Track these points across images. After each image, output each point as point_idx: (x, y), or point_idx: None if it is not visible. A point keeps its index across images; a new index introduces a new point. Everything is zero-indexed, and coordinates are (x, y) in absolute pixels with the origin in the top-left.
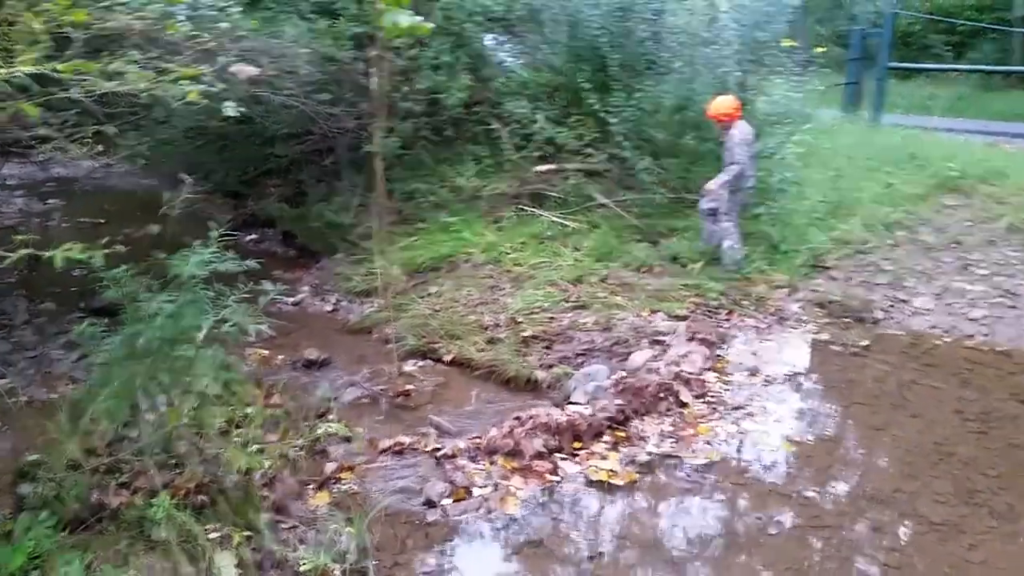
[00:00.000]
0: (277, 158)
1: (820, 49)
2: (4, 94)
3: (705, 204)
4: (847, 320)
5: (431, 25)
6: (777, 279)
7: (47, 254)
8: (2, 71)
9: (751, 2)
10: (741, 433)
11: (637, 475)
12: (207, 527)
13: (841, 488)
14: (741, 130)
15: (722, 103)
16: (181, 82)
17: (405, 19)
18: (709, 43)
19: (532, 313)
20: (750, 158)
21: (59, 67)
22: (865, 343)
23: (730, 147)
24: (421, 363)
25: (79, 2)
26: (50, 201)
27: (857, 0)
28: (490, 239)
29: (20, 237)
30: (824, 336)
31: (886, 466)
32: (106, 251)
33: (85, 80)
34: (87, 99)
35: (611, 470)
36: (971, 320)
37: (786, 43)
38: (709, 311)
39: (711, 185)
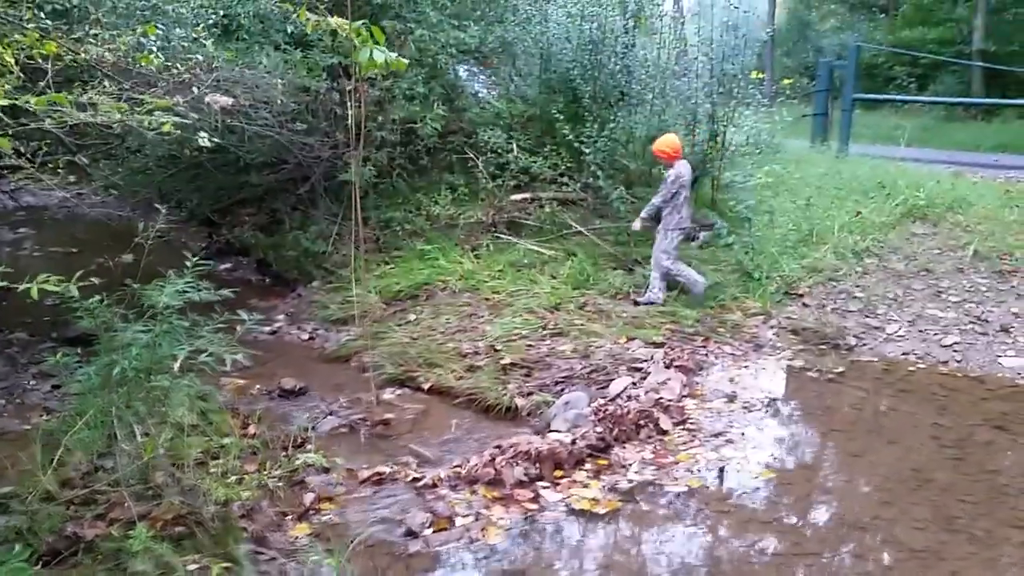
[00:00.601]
0: (252, 187)
1: (787, 81)
2: None
3: (667, 263)
4: (822, 347)
5: (406, 61)
6: (751, 306)
7: (22, 286)
8: None
9: (719, 36)
10: (721, 460)
11: (619, 503)
12: (185, 559)
13: (821, 515)
14: (677, 170)
15: (664, 142)
16: (155, 113)
17: (380, 55)
18: (679, 75)
19: (510, 340)
20: (685, 199)
21: (32, 100)
22: (840, 370)
23: (664, 182)
24: (399, 391)
25: (50, 34)
26: (21, 230)
27: (822, 33)
28: (467, 267)
29: None
30: (799, 363)
31: (865, 493)
32: (81, 283)
33: (58, 111)
34: (59, 130)
35: (593, 498)
36: (944, 347)
37: (754, 75)
38: (685, 338)
39: (666, 247)
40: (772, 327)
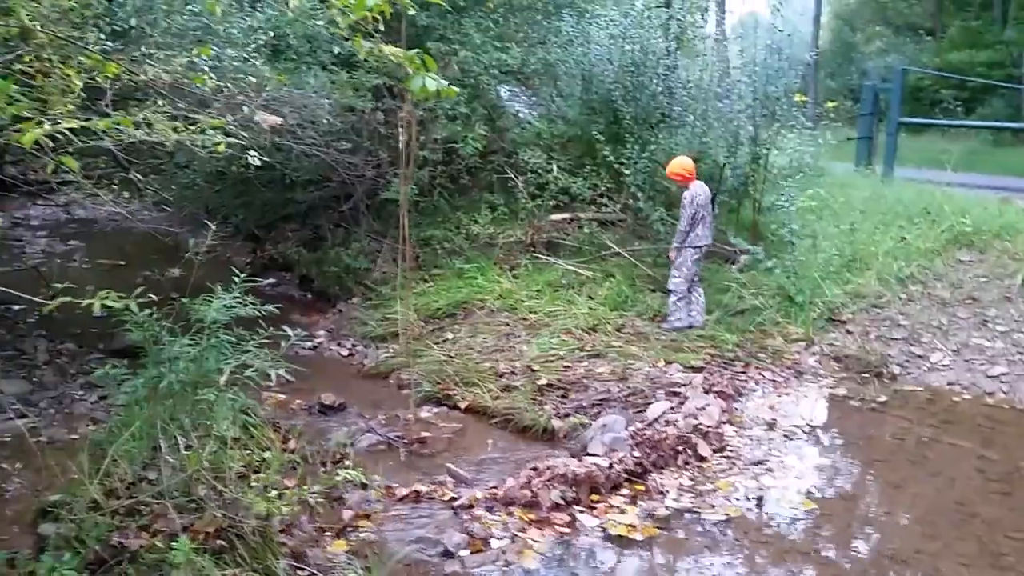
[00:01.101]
0: (296, 203)
1: (831, 104)
2: (43, 147)
3: (676, 281)
4: (864, 375)
5: (457, 90)
6: (793, 332)
7: (85, 301)
8: (45, 127)
9: (763, 57)
10: (760, 489)
11: (656, 529)
12: (226, 572)
13: (861, 547)
14: (693, 191)
15: (678, 164)
16: (208, 132)
17: (432, 83)
18: (721, 97)
19: (547, 361)
20: (702, 217)
21: (99, 123)
22: (883, 399)
23: (683, 206)
24: (436, 409)
25: (111, 55)
26: (71, 242)
27: (867, 55)
28: (505, 286)
29: (57, 284)
30: (842, 391)
31: (907, 525)
32: (139, 300)
33: (117, 130)
34: (116, 147)
35: (630, 524)
36: (990, 377)
37: (798, 97)
38: (725, 363)
39: (679, 265)
40: (814, 354)
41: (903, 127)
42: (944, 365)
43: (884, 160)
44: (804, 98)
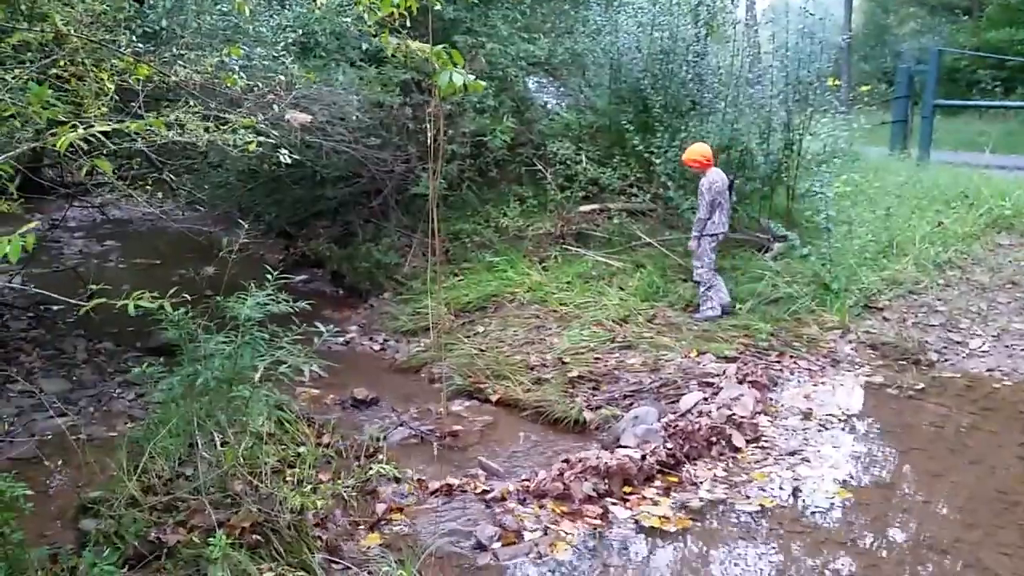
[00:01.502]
0: (327, 200)
1: (865, 87)
2: (78, 150)
3: (701, 271)
4: (902, 362)
5: (484, 84)
6: (828, 320)
7: (120, 302)
8: (81, 131)
9: (794, 42)
10: (796, 479)
11: (690, 521)
12: (261, 566)
13: (899, 536)
14: (710, 178)
15: (695, 150)
16: (239, 131)
17: (460, 77)
18: (752, 83)
19: (578, 353)
20: (719, 204)
21: (131, 125)
22: (921, 386)
23: (700, 193)
24: (468, 403)
25: (142, 57)
26: (107, 243)
27: (901, 37)
28: (535, 279)
29: (92, 287)
30: (878, 379)
31: (946, 514)
32: (168, 299)
33: (149, 131)
34: (149, 148)
35: (663, 516)
36: None
37: (831, 82)
38: (758, 352)
39: (700, 254)
40: (850, 342)
41: (939, 109)
42: (984, 351)
43: (920, 143)
44: (837, 82)
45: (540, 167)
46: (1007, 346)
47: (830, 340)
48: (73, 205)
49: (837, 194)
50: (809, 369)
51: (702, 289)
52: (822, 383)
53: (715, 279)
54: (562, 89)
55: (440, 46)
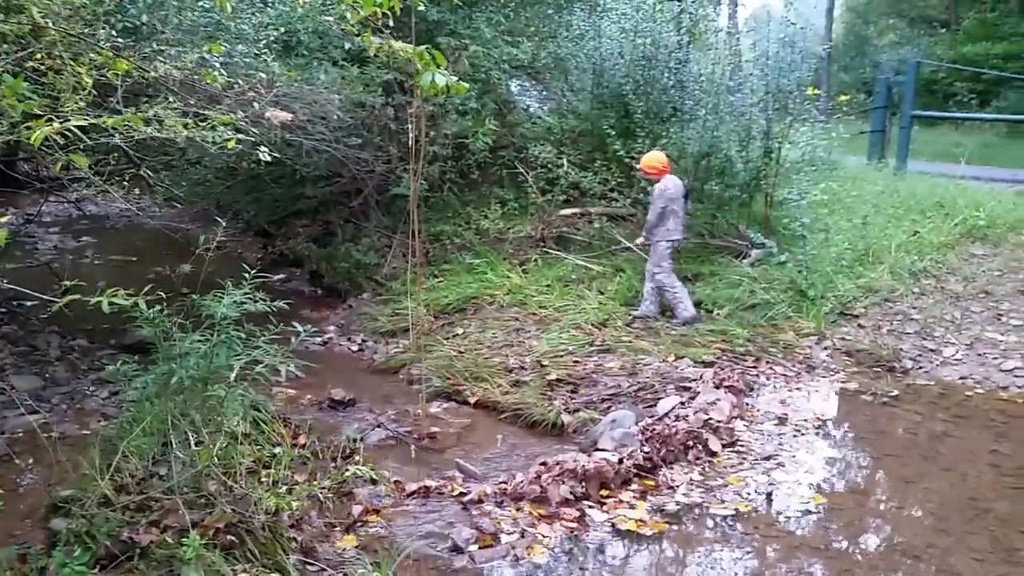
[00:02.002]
0: (306, 199)
1: (844, 97)
2: (54, 144)
3: (660, 276)
4: (876, 369)
5: (466, 85)
6: (805, 326)
7: (94, 299)
8: (56, 125)
9: (775, 51)
10: (771, 484)
11: (666, 525)
12: (236, 568)
13: (872, 542)
14: (663, 185)
15: (652, 157)
16: (218, 128)
17: (442, 78)
18: (733, 91)
19: (557, 356)
20: (673, 211)
21: (108, 121)
22: (895, 393)
23: (653, 199)
24: (446, 405)
25: (122, 52)
26: (83, 239)
27: (880, 48)
28: (515, 281)
29: (66, 283)
30: (853, 385)
31: (919, 520)
32: (142, 296)
33: (127, 127)
34: (127, 144)
35: (639, 519)
36: (1004, 371)
37: (810, 91)
38: (735, 358)
39: (656, 260)
40: (825, 348)
41: (916, 120)
42: (957, 359)
43: (897, 154)
44: (817, 91)
45: (522, 170)
46: (980, 354)
47: (806, 346)
48: (48, 200)
49: (815, 202)
50: (785, 375)
51: (670, 294)
52: (798, 389)
53: (676, 284)
54: (545, 93)
55: (423, 47)
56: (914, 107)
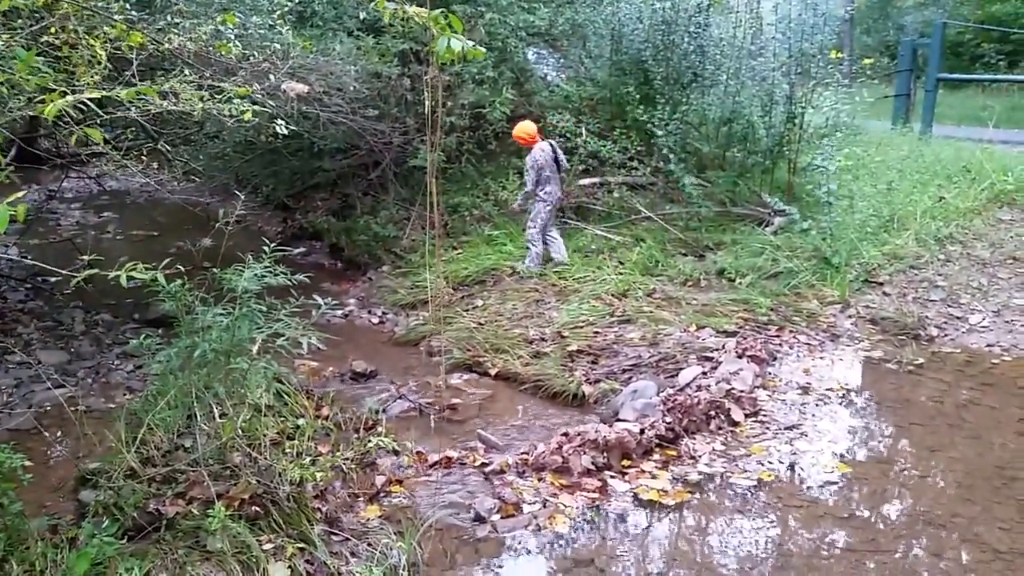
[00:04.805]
0: (324, 172)
1: (868, 60)
2: (69, 118)
3: (532, 231)
4: (901, 337)
5: (484, 50)
6: (828, 295)
7: (112, 273)
8: (69, 98)
9: (797, 13)
10: (794, 453)
11: (688, 494)
12: (261, 538)
13: (896, 511)
14: (533, 155)
15: (521, 128)
16: (235, 100)
17: (458, 44)
18: (755, 55)
19: (577, 327)
20: (547, 177)
21: (122, 93)
22: (920, 361)
23: (527, 169)
24: (467, 376)
25: (136, 25)
26: (104, 214)
27: (905, 10)
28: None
29: (85, 257)
30: (878, 353)
31: (944, 489)
32: (164, 270)
33: (143, 100)
34: (143, 118)
35: (661, 489)
36: None
37: (833, 54)
38: (758, 327)
39: (533, 217)
40: (850, 316)
41: (942, 83)
42: (984, 326)
43: (922, 118)
44: (840, 55)
45: None
46: (1007, 321)
47: (830, 315)
48: (69, 176)
49: (839, 168)
50: (808, 343)
51: (529, 246)
52: (821, 358)
53: (548, 236)
54: (562, 60)
55: (438, 11)
56: (940, 70)
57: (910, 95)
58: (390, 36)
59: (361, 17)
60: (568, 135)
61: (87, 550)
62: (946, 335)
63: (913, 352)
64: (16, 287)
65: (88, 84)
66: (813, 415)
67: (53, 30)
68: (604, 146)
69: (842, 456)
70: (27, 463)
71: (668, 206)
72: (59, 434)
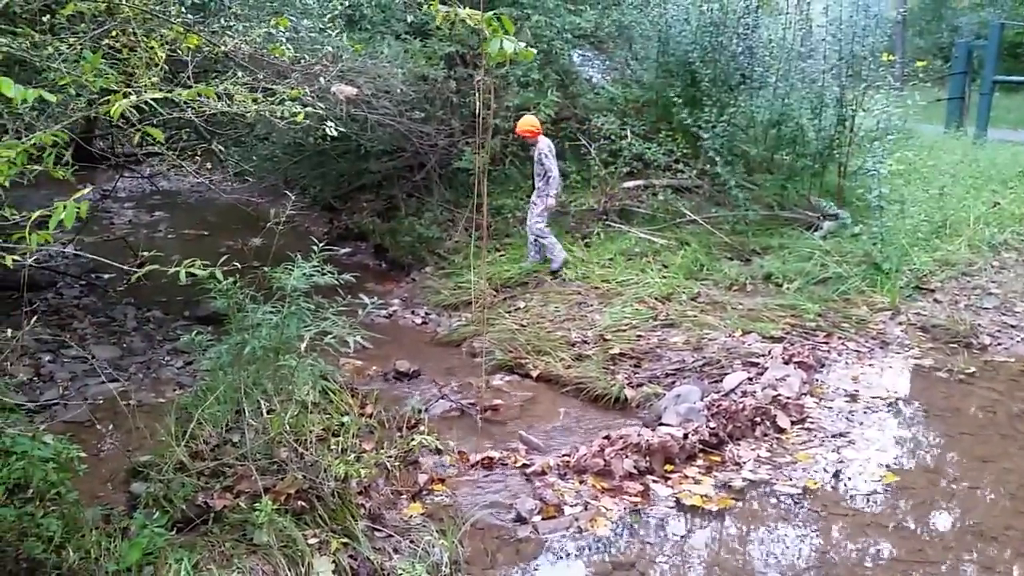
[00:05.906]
0: (370, 174)
1: (921, 63)
2: (130, 119)
3: (540, 224)
4: (953, 345)
5: (534, 51)
6: (878, 301)
7: (172, 270)
8: (133, 98)
9: (848, 15)
10: (840, 461)
11: (731, 501)
12: (306, 532)
13: (945, 522)
14: (547, 144)
15: (527, 121)
16: (286, 103)
17: (510, 45)
18: (805, 57)
19: (620, 330)
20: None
21: (183, 94)
22: (972, 370)
23: (540, 159)
24: (508, 378)
25: (192, 28)
26: (156, 213)
27: (959, 11)
28: (577, 255)
29: (144, 253)
30: (928, 362)
31: (996, 501)
32: (217, 267)
33: (199, 101)
34: (198, 119)
35: (704, 495)
36: None
37: (885, 57)
38: (805, 333)
39: (549, 203)
40: (900, 323)
41: (998, 86)
42: None
43: (977, 121)
44: (891, 57)
45: (584, 142)
46: None
47: (879, 321)
48: (123, 176)
49: (890, 172)
50: (857, 350)
51: (547, 241)
52: (870, 365)
53: (549, 231)
54: (608, 62)
55: (490, 13)
56: (996, 72)
57: (964, 98)
58: (437, 39)
59: (409, 20)
60: (613, 137)
61: (139, 540)
62: (999, 344)
63: (965, 361)
64: (71, 284)
65: (147, 85)
66: (861, 423)
67: (114, 33)
68: (649, 148)
69: (889, 465)
70: (82, 454)
71: (714, 209)
72: (111, 427)
